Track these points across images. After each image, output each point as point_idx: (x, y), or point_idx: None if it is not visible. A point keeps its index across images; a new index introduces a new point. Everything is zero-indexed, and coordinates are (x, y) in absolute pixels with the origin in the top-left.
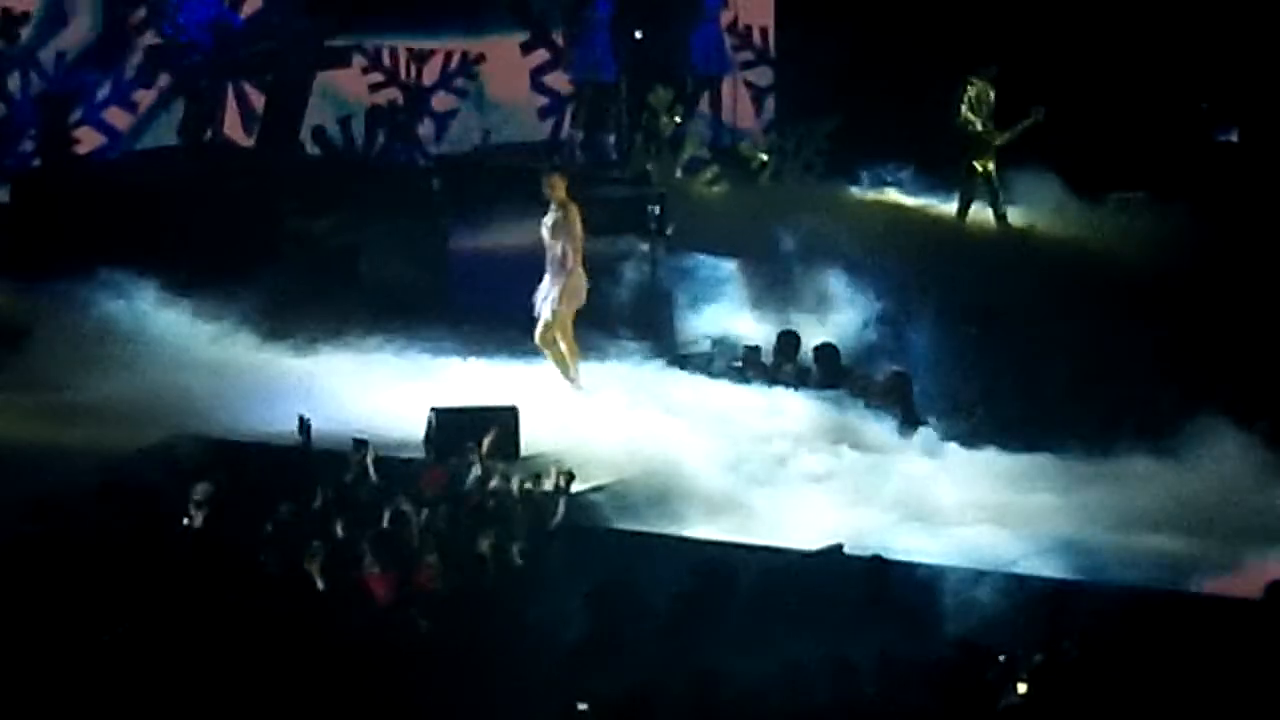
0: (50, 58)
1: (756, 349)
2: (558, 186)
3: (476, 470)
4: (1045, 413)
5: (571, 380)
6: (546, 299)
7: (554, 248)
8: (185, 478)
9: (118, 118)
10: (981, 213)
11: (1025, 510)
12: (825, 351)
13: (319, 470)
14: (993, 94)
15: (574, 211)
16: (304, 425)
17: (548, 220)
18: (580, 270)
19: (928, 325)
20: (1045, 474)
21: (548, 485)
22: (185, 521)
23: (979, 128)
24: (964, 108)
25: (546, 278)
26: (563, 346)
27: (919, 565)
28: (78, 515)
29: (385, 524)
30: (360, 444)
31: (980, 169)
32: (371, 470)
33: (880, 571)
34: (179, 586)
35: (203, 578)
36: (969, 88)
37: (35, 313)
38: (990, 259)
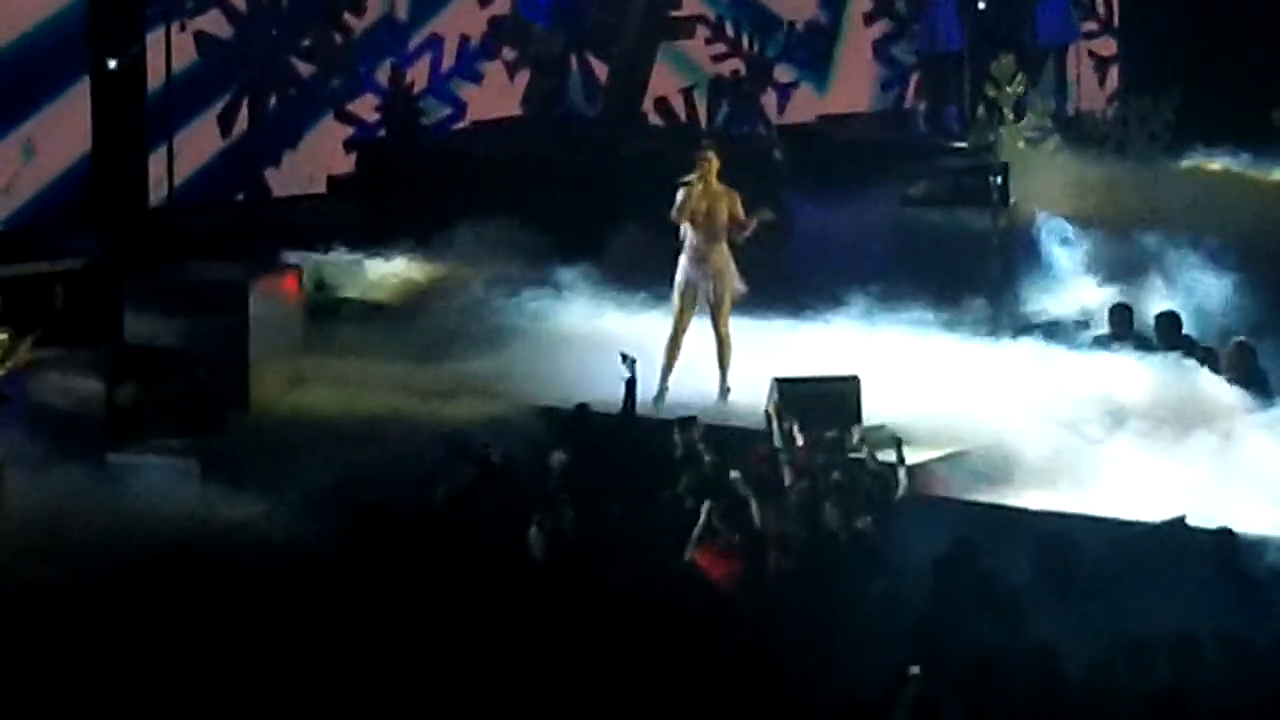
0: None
1: (1091, 319)
2: (713, 163)
3: (801, 439)
4: None
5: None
6: (718, 286)
7: (716, 226)
8: (534, 450)
9: (463, 89)
10: None
11: None
12: (1166, 320)
13: (653, 442)
14: None
15: (734, 193)
16: (629, 362)
17: (702, 198)
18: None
19: (1271, 302)
20: None
21: (888, 456)
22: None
23: None
24: None
25: (705, 259)
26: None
27: (1268, 539)
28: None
29: (725, 497)
30: (688, 421)
31: None
32: (701, 448)
33: (1228, 545)
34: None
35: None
36: None
37: (385, 287)
38: None
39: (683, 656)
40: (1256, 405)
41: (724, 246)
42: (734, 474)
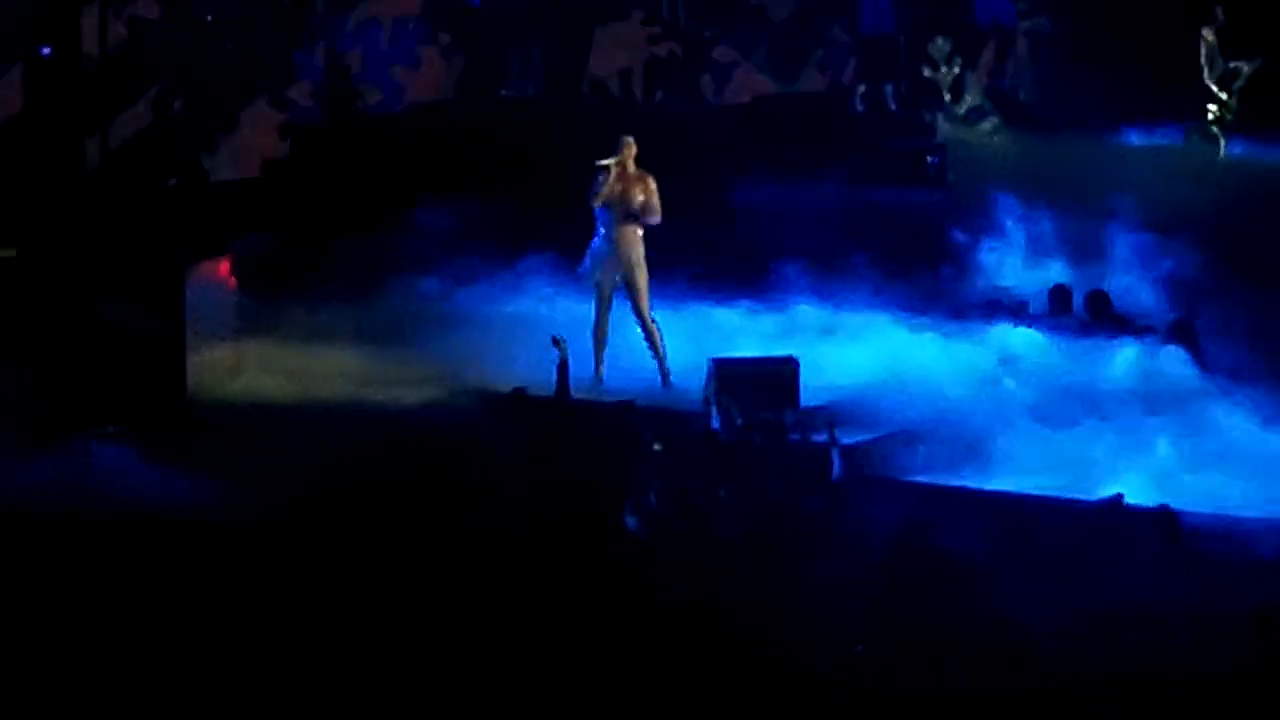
0: (335, 15)
1: (1030, 299)
2: (631, 149)
3: (738, 420)
4: None
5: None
6: (635, 273)
7: (631, 209)
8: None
9: (399, 72)
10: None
11: None
12: (1097, 299)
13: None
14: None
15: (649, 177)
16: (560, 345)
17: (618, 181)
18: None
19: (1208, 278)
20: None
21: (822, 436)
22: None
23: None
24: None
25: (618, 245)
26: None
27: (1209, 514)
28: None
29: (665, 480)
30: (625, 405)
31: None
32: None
33: (1168, 522)
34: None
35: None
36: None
37: (316, 267)
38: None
39: (627, 640)
40: (1197, 380)
41: (638, 232)
42: (663, 451)
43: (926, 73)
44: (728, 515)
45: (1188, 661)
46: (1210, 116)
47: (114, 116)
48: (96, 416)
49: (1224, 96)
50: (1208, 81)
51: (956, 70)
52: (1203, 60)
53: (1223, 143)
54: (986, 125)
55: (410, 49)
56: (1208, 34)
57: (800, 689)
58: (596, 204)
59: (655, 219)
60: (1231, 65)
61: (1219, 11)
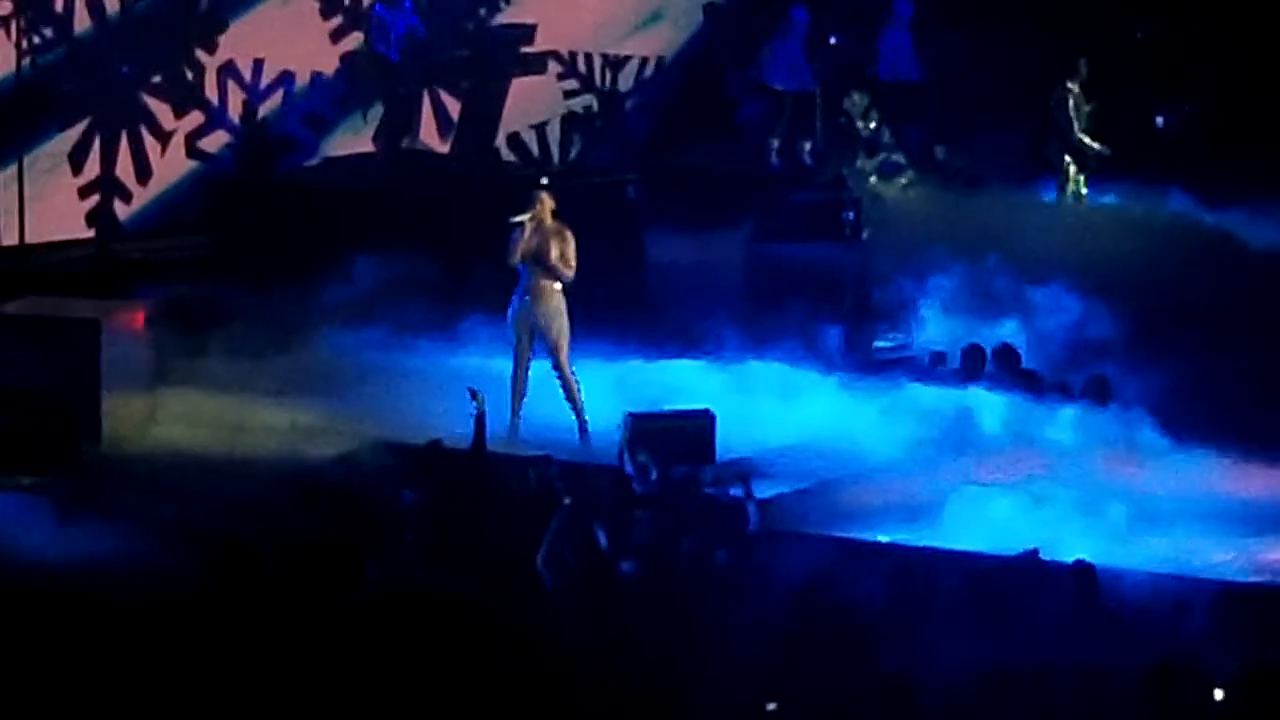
0: (248, 66)
1: (945, 355)
2: (546, 203)
3: (654, 474)
4: (1248, 415)
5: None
6: (553, 328)
7: (550, 266)
8: (381, 484)
9: (315, 125)
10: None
11: (1231, 514)
12: (1004, 353)
13: (506, 479)
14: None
15: (567, 231)
16: (477, 398)
17: (534, 239)
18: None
19: (1125, 329)
20: (1252, 478)
21: (737, 490)
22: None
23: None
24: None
25: (539, 299)
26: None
27: (1123, 571)
28: (275, 519)
29: (578, 531)
30: (541, 459)
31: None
32: (554, 484)
33: (1087, 578)
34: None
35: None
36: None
37: (233, 320)
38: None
39: (539, 688)
40: (1112, 437)
41: (555, 285)
42: (576, 505)
43: (843, 125)
44: (640, 567)
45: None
46: (1072, 170)
47: (29, 167)
48: (12, 467)
49: (1096, 146)
50: (1078, 134)
51: (873, 125)
52: (1070, 113)
53: (1085, 192)
54: (902, 179)
55: (327, 101)
56: (1072, 86)
57: None
58: (513, 260)
59: (568, 275)
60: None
61: (1082, 65)
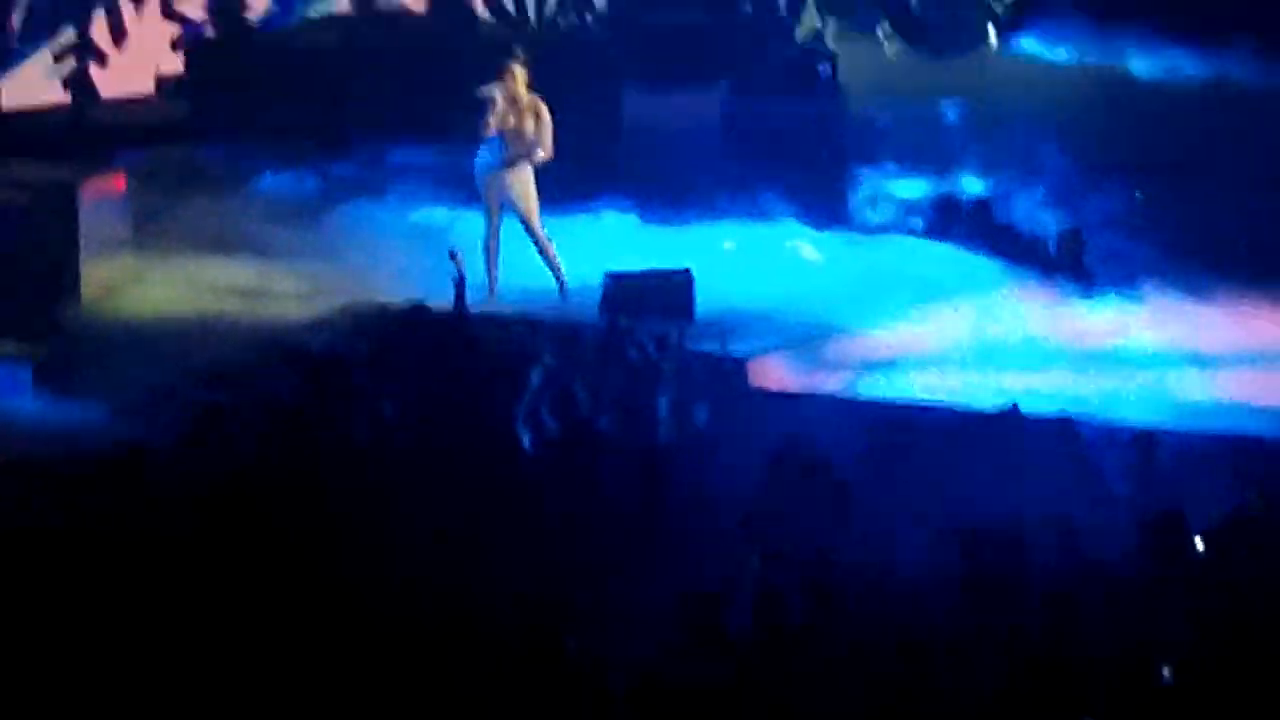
0: None
1: (923, 208)
2: (518, 78)
3: (632, 332)
4: (1227, 267)
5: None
6: (523, 201)
7: (524, 142)
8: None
9: None
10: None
11: (1206, 366)
12: (979, 208)
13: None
14: None
15: (542, 107)
16: (456, 259)
17: (508, 111)
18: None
19: (1097, 184)
20: (1225, 328)
21: (714, 347)
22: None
23: None
24: None
25: (508, 169)
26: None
27: (1098, 421)
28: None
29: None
30: (520, 319)
31: None
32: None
33: (1067, 430)
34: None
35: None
36: None
37: (213, 183)
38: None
39: (516, 550)
40: (1083, 291)
41: (527, 162)
42: (554, 363)
43: None
44: (617, 426)
45: (1084, 570)
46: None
47: None
48: None
49: None
50: None
51: None
52: None
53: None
54: (879, 33)
55: None
56: None
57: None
58: (489, 133)
59: (542, 156)
60: None
61: None
